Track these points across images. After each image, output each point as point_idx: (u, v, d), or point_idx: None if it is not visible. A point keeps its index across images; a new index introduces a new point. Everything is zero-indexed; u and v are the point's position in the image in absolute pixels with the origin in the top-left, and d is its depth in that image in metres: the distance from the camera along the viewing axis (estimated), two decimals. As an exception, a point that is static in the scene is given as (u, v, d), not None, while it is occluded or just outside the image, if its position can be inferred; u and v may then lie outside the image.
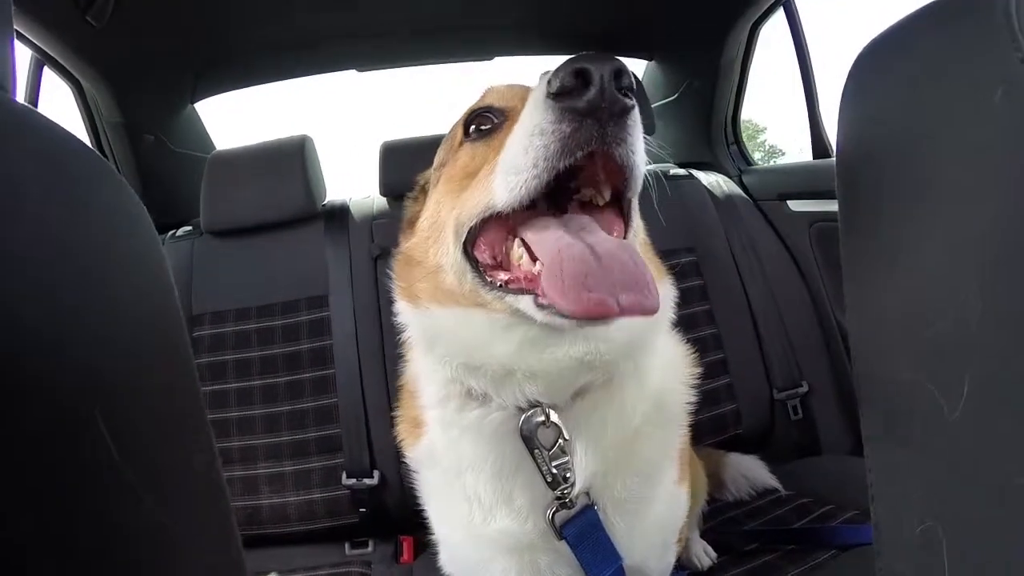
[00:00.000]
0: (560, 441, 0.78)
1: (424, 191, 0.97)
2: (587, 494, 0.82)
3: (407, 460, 0.98)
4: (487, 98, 0.85)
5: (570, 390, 0.78)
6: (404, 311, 0.87)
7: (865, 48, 0.65)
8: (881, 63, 0.65)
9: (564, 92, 0.63)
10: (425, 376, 0.89)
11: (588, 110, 0.62)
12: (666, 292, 0.84)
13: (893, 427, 0.64)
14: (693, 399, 0.91)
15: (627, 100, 0.63)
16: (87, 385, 0.33)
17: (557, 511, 0.81)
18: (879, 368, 0.66)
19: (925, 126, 0.57)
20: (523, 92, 0.77)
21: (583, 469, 0.80)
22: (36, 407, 0.30)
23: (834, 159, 0.69)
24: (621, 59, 0.62)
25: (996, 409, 0.49)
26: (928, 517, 0.57)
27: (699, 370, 0.93)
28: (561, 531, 0.81)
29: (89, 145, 0.44)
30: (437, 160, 0.93)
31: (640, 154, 0.67)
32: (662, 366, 0.88)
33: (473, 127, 0.83)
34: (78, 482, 0.32)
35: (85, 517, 0.32)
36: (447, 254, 0.81)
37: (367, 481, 1.58)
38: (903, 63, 0.61)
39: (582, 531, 0.81)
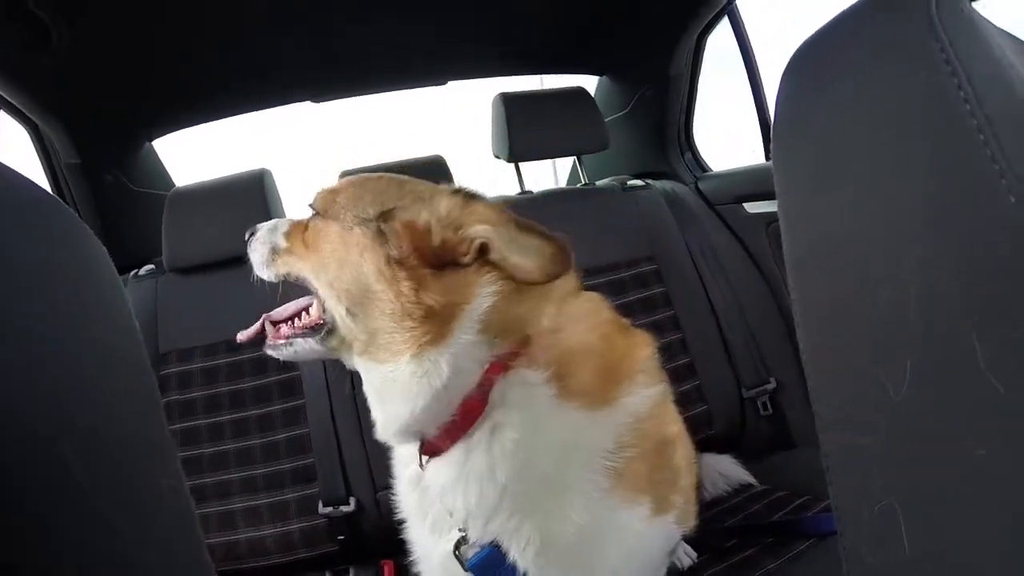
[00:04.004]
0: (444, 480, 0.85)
1: None
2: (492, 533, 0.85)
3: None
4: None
5: (391, 430, 0.87)
6: None
7: (799, 47, 0.68)
8: (814, 60, 0.67)
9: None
10: None
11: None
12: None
13: (842, 411, 0.66)
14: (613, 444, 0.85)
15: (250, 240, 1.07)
16: (52, 419, 0.34)
17: (460, 544, 0.86)
18: (826, 356, 0.68)
19: (855, 114, 0.59)
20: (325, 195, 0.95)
21: (460, 508, 0.84)
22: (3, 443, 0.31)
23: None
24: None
25: (938, 386, 0.51)
26: (884, 496, 0.58)
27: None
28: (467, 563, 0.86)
29: (47, 188, 0.45)
30: None
31: (253, 253, 1.05)
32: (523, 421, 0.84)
33: None
34: (48, 512, 0.32)
35: (58, 542, 0.32)
36: None
37: (344, 508, 1.56)
38: (835, 58, 0.64)
39: (485, 566, 0.84)
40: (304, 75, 2.16)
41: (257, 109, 2.27)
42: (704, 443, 1.73)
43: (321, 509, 1.58)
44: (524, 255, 0.81)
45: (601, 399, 0.84)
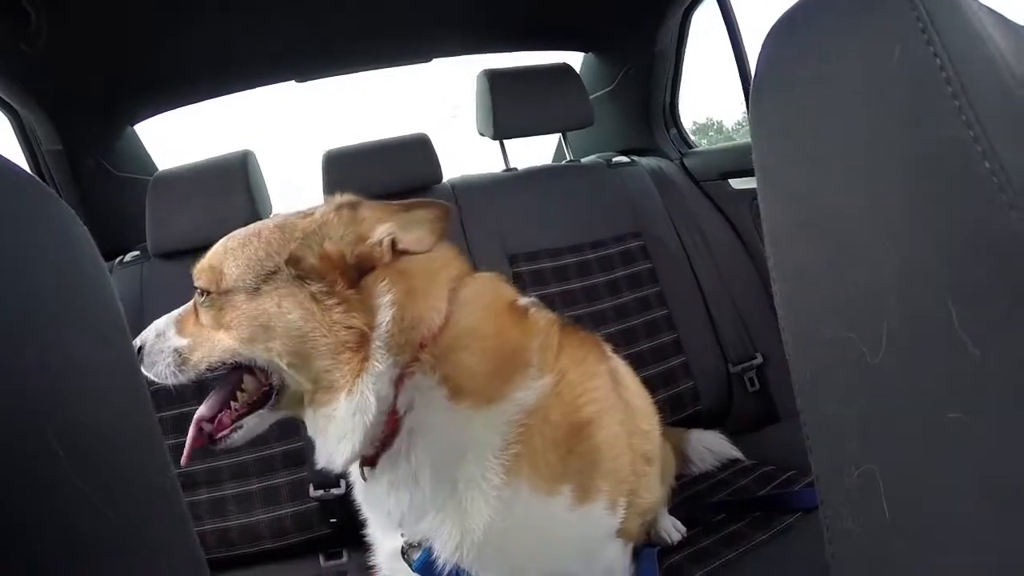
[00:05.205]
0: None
1: None
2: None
3: None
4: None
5: (337, 463, 0.88)
6: None
7: (782, 15, 0.68)
8: (792, 35, 0.67)
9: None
10: None
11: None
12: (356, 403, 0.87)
13: (820, 378, 0.66)
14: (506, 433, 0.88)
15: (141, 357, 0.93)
16: (36, 404, 0.34)
17: (407, 546, 0.93)
18: (804, 325, 0.68)
19: (834, 83, 0.59)
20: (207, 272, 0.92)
21: (395, 512, 0.90)
22: None
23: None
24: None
25: (915, 352, 0.52)
26: (864, 462, 0.59)
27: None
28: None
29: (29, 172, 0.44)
30: None
31: (152, 368, 0.93)
32: (427, 425, 0.88)
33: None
34: (36, 496, 0.32)
35: (46, 527, 0.33)
36: None
37: (334, 491, 1.56)
38: (812, 34, 0.63)
39: (426, 568, 0.89)
40: (287, 54, 2.13)
41: (240, 90, 2.24)
42: (691, 419, 1.76)
43: (312, 492, 1.58)
44: (420, 227, 0.88)
45: (488, 397, 0.87)
